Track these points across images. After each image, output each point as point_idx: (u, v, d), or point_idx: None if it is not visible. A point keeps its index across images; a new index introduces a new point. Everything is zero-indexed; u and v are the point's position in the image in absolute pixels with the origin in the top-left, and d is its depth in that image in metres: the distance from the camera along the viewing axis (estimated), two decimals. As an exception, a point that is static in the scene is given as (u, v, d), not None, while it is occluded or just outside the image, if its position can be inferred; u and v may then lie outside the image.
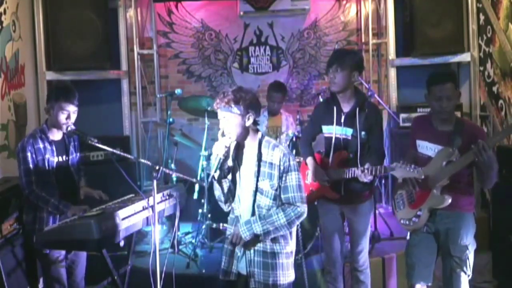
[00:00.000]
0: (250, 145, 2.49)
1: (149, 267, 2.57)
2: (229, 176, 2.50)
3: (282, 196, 2.43)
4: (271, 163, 2.42)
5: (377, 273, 3.72)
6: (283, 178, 2.41)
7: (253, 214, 2.46)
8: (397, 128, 5.03)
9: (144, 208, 2.69)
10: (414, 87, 5.11)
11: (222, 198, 2.55)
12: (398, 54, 5.30)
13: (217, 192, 2.58)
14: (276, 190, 2.43)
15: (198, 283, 3.63)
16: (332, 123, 3.03)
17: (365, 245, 3.15)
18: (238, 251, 2.50)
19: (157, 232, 2.61)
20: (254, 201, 2.45)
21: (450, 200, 2.66)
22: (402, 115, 4.99)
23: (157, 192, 2.68)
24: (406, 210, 2.87)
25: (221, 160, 2.43)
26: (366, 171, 2.80)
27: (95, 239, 2.38)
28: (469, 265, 2.71)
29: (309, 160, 3.14)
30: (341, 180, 3.00)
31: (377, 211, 4.30)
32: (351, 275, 3.25)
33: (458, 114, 4.44)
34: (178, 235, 4.07)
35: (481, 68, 5.03)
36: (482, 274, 3.82)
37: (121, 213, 2.53)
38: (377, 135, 3.03)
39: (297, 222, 2.45)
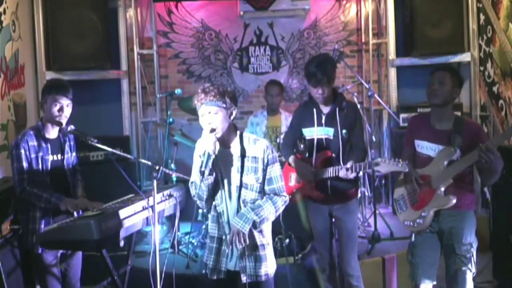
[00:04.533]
0: (231, 140, 2.49)
1: (149, 267, 2.56)
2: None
3: (267, 187, 2.49)
4: (254, 157, 2.46)
5: (377, 273, 3.71)
6: (268, 170, 2.47)
7: (238, 209, 2.46)
8: (397, 128, 5.04)
9: (144, 208, 2.69)
10: (414, 87, 5.12)
11: (204, 196, 2.46)
12: (398, 54, 5.30)
13: (196, 190, 2.48)
14: (260, 182, 2.47)
15: (198, 283, 3.63)
16: (313, 125, 3.06)
17: (355, 246, 3.15)
18: (226, 248, 2.48)
19: (157, 232, 2.61)
20: (239, 196, 2.46)
21: (454, 201, 2.66)
22: (402, 115, 4.99)
23: (157, 192, 2.67)
24: (409, 212, 2.85)
25: (210, 156, 2.37)
26: (350, 169, 2.83)
27: (95, 239, 2.37)
28: (474, 262, 2.71)
29: (292, 158, 3.15)
30: (326, 180, 3.01)
31: (377, 211, 4.29)
32: (343, 281, 3.25)
33: (458, 114, 4.44)
34: (178, 235, 4.07)
35: (481, 68, 5.03)
36: (482, 274, 3.81)
37: (121, 213, 2.53)
38: (358, 133, 3.08)
39: (281, 210, 2.53)
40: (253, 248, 2.47)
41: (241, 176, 2.45)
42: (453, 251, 2.72)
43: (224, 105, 2.39)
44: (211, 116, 2.38)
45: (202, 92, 2.39)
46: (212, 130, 2.37)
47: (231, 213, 2.48)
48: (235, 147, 2.49)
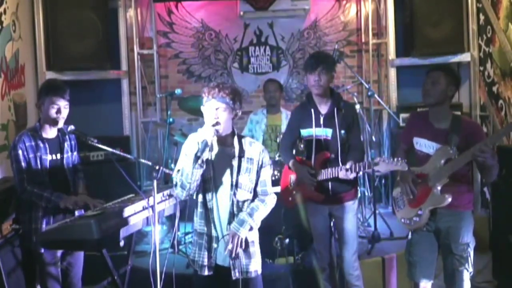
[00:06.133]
0: (229, 140, 2.53)
1: (149, 267, 2.57)
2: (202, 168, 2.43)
3: (260, 188, 2.58)
4: (251, 159, 2.53)
5: (377, 273, 3.72)
6: (261, 172, 2.57)
7: (231, 208, 2.49)
8: (397, 128, 5.04)
9: (144, 208, 2.70)
10: (414, 87, 5.09)
11: (188, 185, 2.41)
12: (398, 54, 5.30)
13: (181, 177, 2.43)
14: (253, 183, 2.54)
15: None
16: (311, 126, 3.06)
17: (355, 245, 3.15)
18: (216, 244, 2.51)
19: (157, 232, 2.61)
20: (234, 195, 2.49)
21: (450, 200, 2.66)
22: (402, 115, 5.00)
23: (157, 192, 2.67)
24: (407, 210, 2.87)
25: (207, 145, 2.38)
26: (349, 169, 2.84)
27: (95, 239, 2.38)
28: (471, 262, 2.72)
29: (293, 163, 3.16)
30: (327, 181, 3.01)
31: (377, 211, 4.30)
32: (343, 281, 3.25)
33: (458, 114, 4.44)
34: (178, 235, 4.07)
35: (481, 68, 5.03)
36: (482, 274, 3.82)
37: (122, 213, 2.53)
38: (356, 133, 3.10)
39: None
40: (244, 245, 2.51)
41: (237, 176, 2.49)
42: (450, 251, 2.73)
43: (233, 105, 2.47)
44: (219, 112, 2.43)
45: (216, 87, 2.45)
46: (216, 124, 2.41)
47: (223, 211, 2.51)
48: (233, 147, 2.52)
